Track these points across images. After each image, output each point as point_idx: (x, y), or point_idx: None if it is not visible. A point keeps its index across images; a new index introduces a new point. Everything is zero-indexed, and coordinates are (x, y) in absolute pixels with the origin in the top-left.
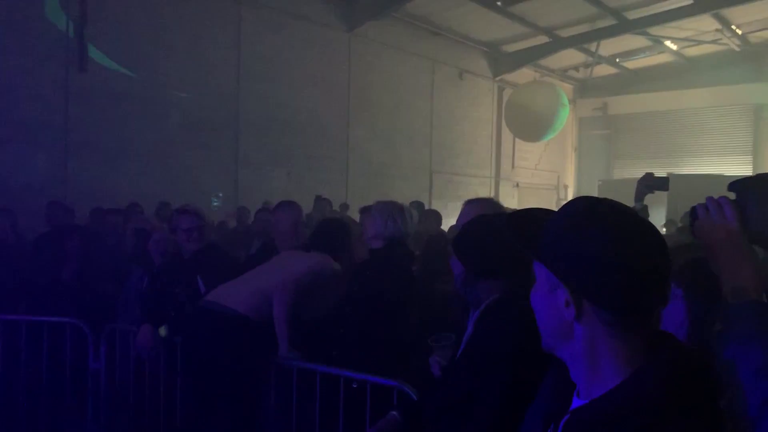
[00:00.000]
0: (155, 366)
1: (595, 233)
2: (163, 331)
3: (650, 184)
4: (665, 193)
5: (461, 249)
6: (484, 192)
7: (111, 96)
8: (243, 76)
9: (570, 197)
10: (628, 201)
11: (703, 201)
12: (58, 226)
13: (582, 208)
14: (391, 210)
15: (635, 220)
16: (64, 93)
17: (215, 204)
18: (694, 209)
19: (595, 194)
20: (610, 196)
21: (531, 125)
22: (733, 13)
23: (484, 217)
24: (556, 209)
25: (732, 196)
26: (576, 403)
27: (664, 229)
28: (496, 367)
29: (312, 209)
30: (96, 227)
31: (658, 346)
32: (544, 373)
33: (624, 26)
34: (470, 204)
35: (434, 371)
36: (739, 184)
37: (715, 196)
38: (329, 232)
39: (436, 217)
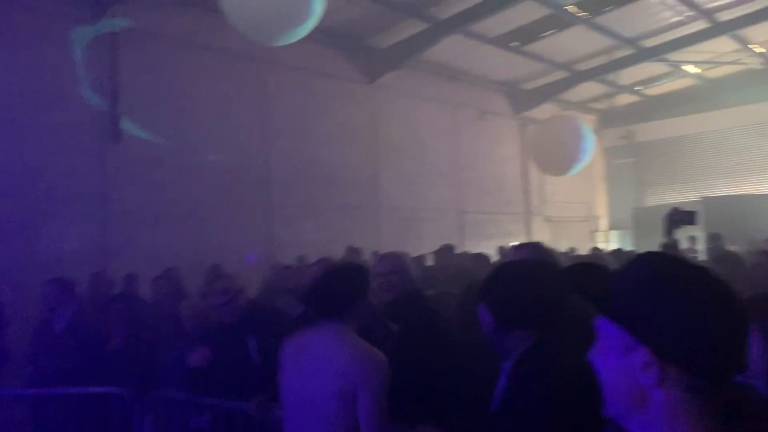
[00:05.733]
0: None
1: (681, 291)
2: None
3: (677, 218)
4: (703, 212)
5: (490, 298)
6: (516, 228)
7: (145, 164)
8: (271, 134)
9: (603, 228)
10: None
11: (737, 220)
12: (101, 295)
13: (658, 265)
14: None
15: (715, 278)
16: (100, 165)
17: (251, 262)
18: None
19: (630, 222)
20: (644, 224)
21: (556, 159)
22: (751, 32)
23: (512, 264)
24: (591, 242)
25: None
26: None
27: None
28: (535, 418)
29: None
30: (133, 293)
31: (736, 414)
32: (587, 423)
33: (641, 55)
34: (518, 249)
35: None
36: None
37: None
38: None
39: (483, 260)
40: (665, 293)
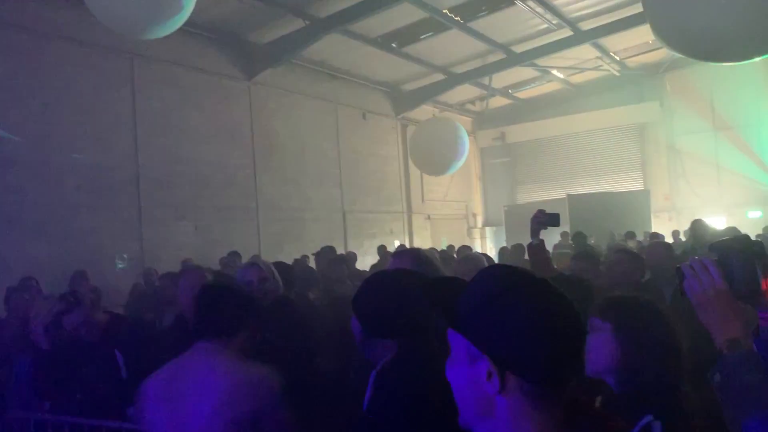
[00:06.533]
0: None
1: (518, 304)
2: None
3: (542, 221)
4: (567, 209)
5: (358, 309)
6: (398, 227)
7: None
8: (140, 132)
9: (479, 225)
10: None
11: (599, 217)
12: None
13: (499, 278)
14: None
15: (553, 290)
16: None
17: (120, 266)
18: (680, 269)
19: (502, 219)
20: (515, 220)
21: (434, 160)
22: (609, 41)
23: (380, 275)
24: (468, 238)
25: (713, 256)
26: None
27: (560, 238)
28: (394, 426)
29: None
30: None
31: (577, 417)
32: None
33: (512, 59)
34: (397, 257)
35: None
36: (720, 246)
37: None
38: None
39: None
40: (502, 306)
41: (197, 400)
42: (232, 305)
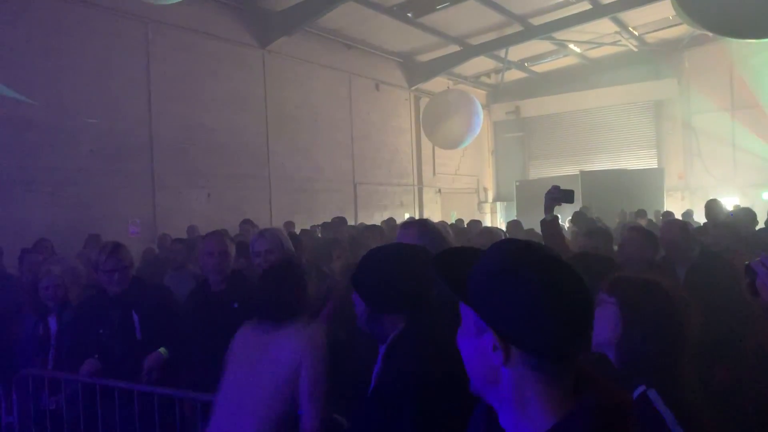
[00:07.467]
0: (75, 414)
1: (523, 279)
2: (164, 351)
3: (557, 197)
4: (579, 186)
5: (362, 286)
6: (408, 200)
7: (14, 126)
8: (154, 97)
9: (490, 199)
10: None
11: (611, 194)
12: None
13: (509, 253)
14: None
15: (561, 266)
16: None
17: (133, 231)
18: (750, 267)
19: (514, 194)
20: (526, 196)
21: (447, 133)
22: (629, 16)
23: (381, 250)
24: (478, 212)
25: None
26: None
27: (569, 223)
28: (404, 399)
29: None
30: None
31: (584, 388)
32: (456, 400)
33: (530, 32)
34: (406, 228)
35: None
36: None
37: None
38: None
39: (376, 232)
40: (507, 281)
41: (260, 360)
42: (290, 293)
